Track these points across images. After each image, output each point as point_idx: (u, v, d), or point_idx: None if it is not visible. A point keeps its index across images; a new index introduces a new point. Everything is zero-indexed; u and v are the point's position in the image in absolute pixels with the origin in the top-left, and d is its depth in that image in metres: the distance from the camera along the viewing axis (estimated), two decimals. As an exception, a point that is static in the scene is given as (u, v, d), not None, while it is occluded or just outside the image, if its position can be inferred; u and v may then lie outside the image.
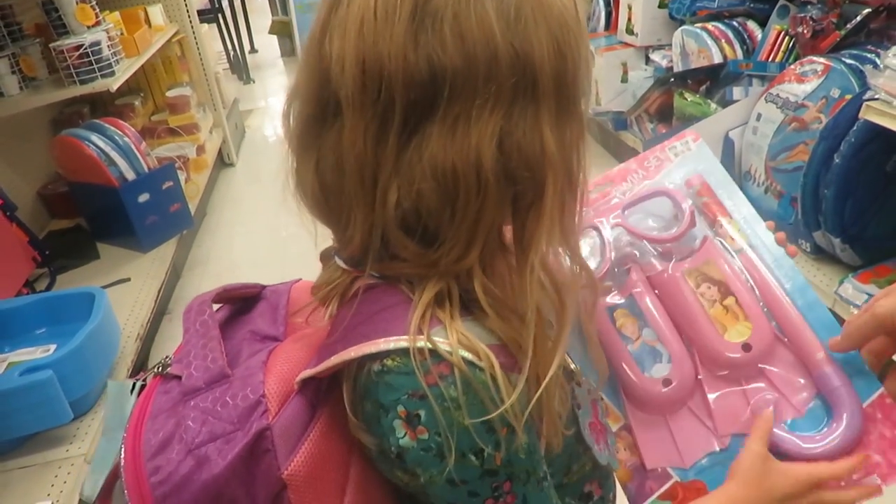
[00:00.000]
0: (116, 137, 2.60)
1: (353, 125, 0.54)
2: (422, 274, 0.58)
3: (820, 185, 1.90)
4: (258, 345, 0.67)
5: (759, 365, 0.78)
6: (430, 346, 0.54)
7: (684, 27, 2.76)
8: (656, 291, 0.83)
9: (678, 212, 0.83)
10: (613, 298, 0.84)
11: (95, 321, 1.79)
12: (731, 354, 0.77)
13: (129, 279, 2.46)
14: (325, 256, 0.69)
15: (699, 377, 0.79)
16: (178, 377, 0.62)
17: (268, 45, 6.90)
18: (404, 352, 0.54)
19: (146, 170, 2.64)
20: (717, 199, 0.84)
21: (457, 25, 0.51)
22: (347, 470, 0.62)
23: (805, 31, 2.29)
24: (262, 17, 7.23)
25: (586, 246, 0.87)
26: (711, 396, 0.78)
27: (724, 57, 2.58)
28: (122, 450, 0.59)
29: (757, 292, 0.80)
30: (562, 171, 0.57)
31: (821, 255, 2.06)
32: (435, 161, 0.53)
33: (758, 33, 2.59)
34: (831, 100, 1.99)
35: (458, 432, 0.53)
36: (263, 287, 0.77)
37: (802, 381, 0.77)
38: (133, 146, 2.62)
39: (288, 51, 6.58)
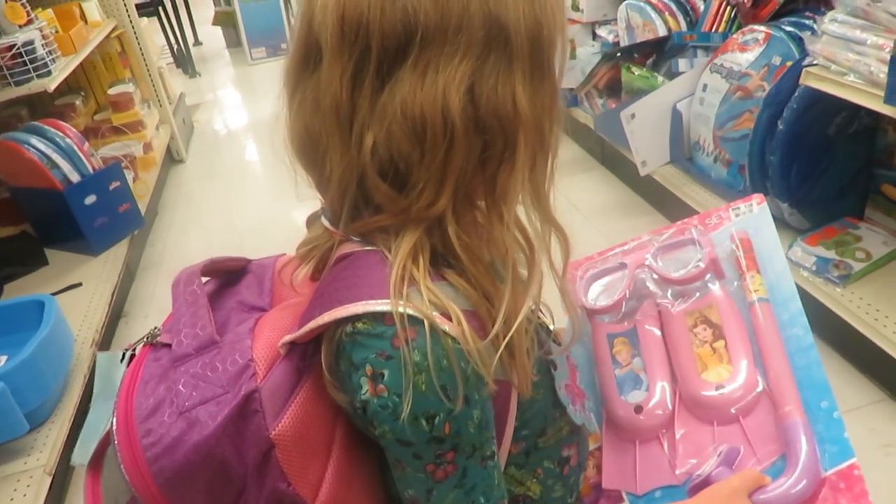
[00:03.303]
0: (58, 139, 2.52)
1: (330, 68, 0.58)
2: (397, 225, 0.61)
3: (766, 151, 1.94)
4: (245, 314, 0.70)
5: (734, 410, 0.78)
6: (401, 310, 0.56)
7: (628, 1, 2.78)
8: (662, 328, 0.86)
9: (699, 258, 0.86)
10: (618, 327, 0.89)
11: (46, 329, 1.74)
12: (704, 392, 0.79)
13: (80, 284, 2.40)
14: (312, 219, 0.73)
15: (678, 411, 0.81)
16: (168, 345, 0.65)
17: (212, 37, 6.75)
18: (374, 315, 0.57)
19: (91, 171, 2.57)
20: (754, 255, 0.86)
21: None
22: (333, 430, 0.66)
23: (746, 0, 2.32)
24: (204, 9, 7.05)
25: (609, 279, 0.93)
26: (679, 431, 0.80)
27: (669, 29, 2.61)
28: (115, 415, 0.62)
29: (754, 343, 0.81)
30: (533, 130, 0.60)
31: (770, 220, 2.10)
32: (405, 104, 0.56)
33: (700, 4, 2.62)
34: (773, 67, 2.02)
35: (415, 395, 0.56)
36: (249, 261, 0.80)
37: (775, 433, 0.77)
38: (76, 147, 2.54)
39: (233, 42, 6.45)
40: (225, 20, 6.37)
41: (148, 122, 3.51)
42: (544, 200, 0.64)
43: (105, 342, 2.31)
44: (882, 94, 1.43)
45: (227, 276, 0.78)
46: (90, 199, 2.54)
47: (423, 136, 0.57)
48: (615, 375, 0.86)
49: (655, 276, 0.89)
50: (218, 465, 0.59)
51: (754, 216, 0.90)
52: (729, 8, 2.48)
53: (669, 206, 2.61)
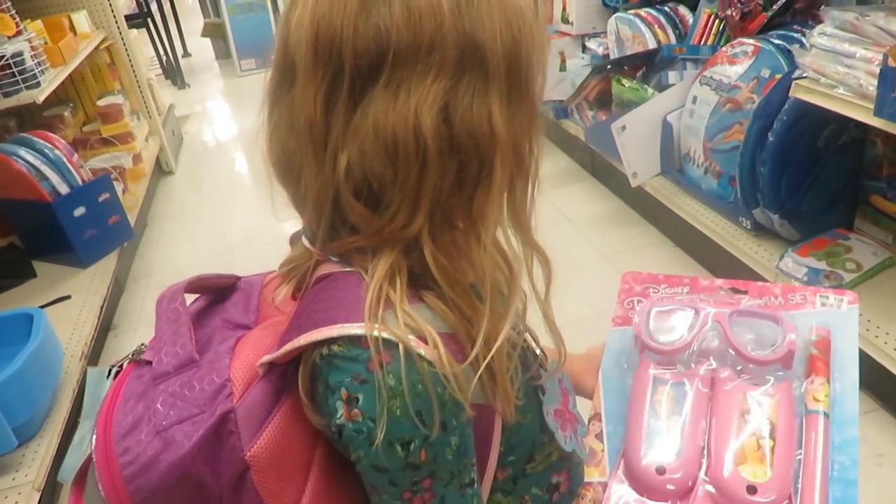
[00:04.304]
0: (46, 150, 2.50)
1: (304, 88, 0.58)
2: (374, 246, 0.61)
3: (756, 163, 1.96)
4: (229, 332, 0.69)
5: None
6: (376, 333, 0.55)
7: (618, 14, 2.80)
8: (711, 394, 0.82)
9: (779, 342, 0.82)
10: (667, 376, 0.85)
11: (35, 343, 1.72)
12: (735, 488, 0.75)
13: (69, 296, 2.38)
14: (294, 238, 0.72)
15: (701, 489, 0.76)
16: (150, 363, 0.65)
17: (201, 49, 6.74)
18: (350, 338, 0.56)
19: (80, 182, 2.55)
20: (828, 359, 0.83)
21: (406, 0, 0.55)
22: (312, 452, 0.64)
23: (734, 14, 2.35)
24: (193, 20, 7.05)
25: (676, 319, 0.89)
26: None
27: (658, 42, 2.63)
28: (94, 432, 0.61)
29: (800, 455, 0.77)
30: (510, 151, 0.59)
31: (760, 231, 2.12)
32: (378, 124, 0.56)
33: (689, 17, 2.65)
34: (762, 80, 2.04)
35: (389, 421, 0.55)
36: (238, 278, 0.79)
37: None
38: (65, 159, 2.53)
39: (222, 53, 6.44)
40: (214, 31, 6.37)
41: (137, 133, 3.50)
42: (525, 223, 0.63)
43: (94, 356, 2.28)
44: (871, 106, 1.45)
45: (216, 293, 0.77)
46: (79, 211, 2.52)
47: (395, 156, 0.56)
48: (648, 424, 0.81)
49: (725, 337, 0.85)
50: (194, 486, 0.58)
51: (841, 314, 0.87)
52: (717, 21, 2.51)
53: (660, 218, 2.62)
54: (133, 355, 0.68)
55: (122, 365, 0.69)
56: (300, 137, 0.59)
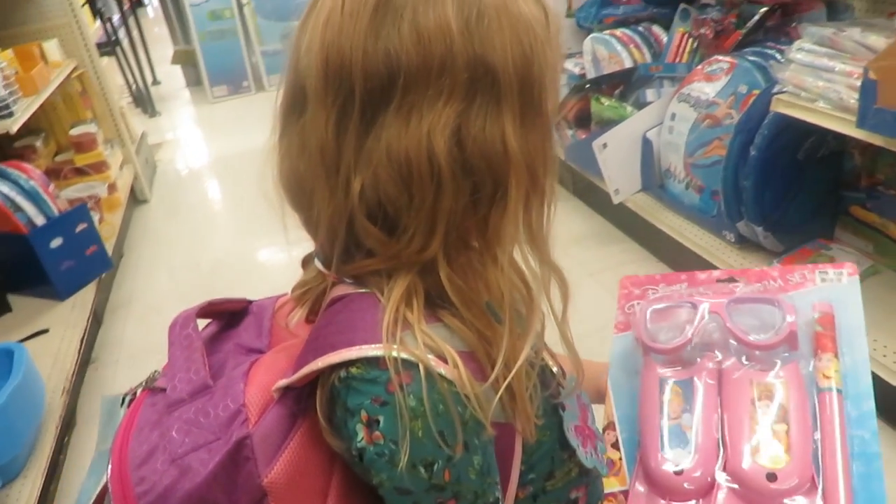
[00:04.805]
0: (21, 181, 2.45)
1: (315, 112, 0.58)
2: (389, 268, 0.60)
3: (739, 177, 1.99)
4: (242, 357, 0.68)
5: (784, 500, 0.73)
6: (395, 354, 0.55)
7: (593, 35, 2.84)
8: (720, 386, 0.81)
9: (779, 324, 0.81)
10: (673, 374, 0.84)
11: (17, 379, 1.68)
12: (755, 477, 0.73)
13: (47, 330, 2.31)
14: (306, 260, 0.71)
15: (721, 484, 0.75)
16: (164, 390, 0.64)
17: (171, 76, 6.69)
18: (368, 360, 0.56)
19: (56, 213, 2.50)
20: (835, 334, 0.81)
21: (415, 22, 0.55)
22: (329, 477, 0.63)
23: (707, 32, 2.40)
24: (162, 48, 6.99)
25: (675, 316, 0.87)
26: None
27: (634, 61, 2.67)
28: (110, 461, 0.61)
29: (817, 437, 0.75)
30: (524, 171, 0.59)
31: (745, 244, 2.14)
32: (390, 148, 0.56)
33: (663, 36, 2.70)
34: (740, 95, 2.08)
35: (412, 442, 0.54)
36: (250, 302, 0.78)
37: None
38: (40, 189, 2.48)
39: (193, 80, 6.40)
40: (184, 59, 6.33)
41: (112, 162, 3.45)
42: (541, 242, 0.63)
43: (75, 390, 2.22)
44: (853, 118, 1.48)
45: (228, 318, 0.77)
46: (56, 242, 2.46)
47: (409, 181, 0.56)
48: (661, 426, 0.80)
49: (725, 327, 0.84)
50: None
51: (842, 287, 0.85)
52: (691, 40, 2.56)
53: (643, 234, 2.64)
54: (146, 383, 0.68)
55: (135, 393, 0.69)
56: (312, 162, 0.59)
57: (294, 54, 0.60)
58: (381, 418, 0.55)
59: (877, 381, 1.63)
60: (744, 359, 0.82)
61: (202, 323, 0.74)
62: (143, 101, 5.80)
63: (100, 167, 3.30)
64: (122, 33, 5.85)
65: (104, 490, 0.64)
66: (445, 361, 0.56)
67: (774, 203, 1.97)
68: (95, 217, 2.87)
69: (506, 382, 0.58)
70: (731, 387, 0.80)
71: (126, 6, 6.20)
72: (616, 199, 2.55)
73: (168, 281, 3.12)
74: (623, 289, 0.97)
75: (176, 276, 3.15)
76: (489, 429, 0.58)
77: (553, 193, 0.64)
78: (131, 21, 6.16)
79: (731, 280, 0.91)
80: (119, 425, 0.64)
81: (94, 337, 2.64)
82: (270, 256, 3.19)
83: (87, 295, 2.56)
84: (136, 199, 3.88)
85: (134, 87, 5.80)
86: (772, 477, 0.72)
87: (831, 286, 0.85)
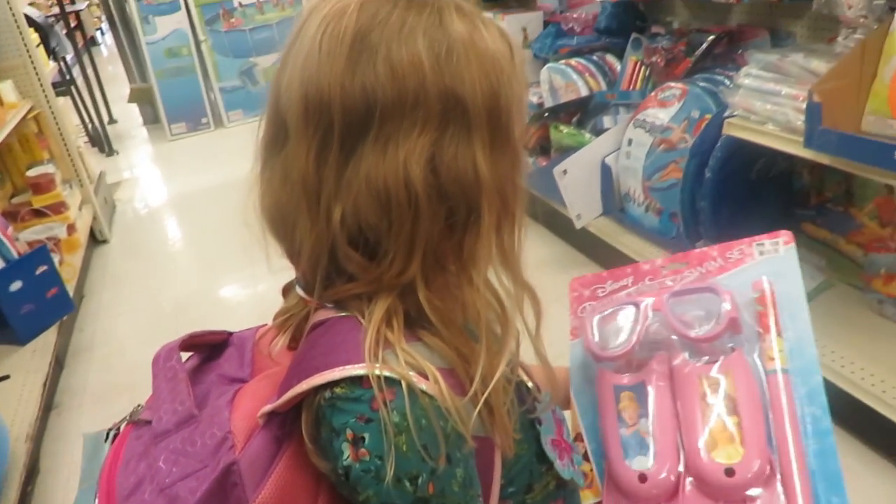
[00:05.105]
0: (-22, 225, 2.41)
1: (296, 145, 0.60)
2: (370, 292, 0.62)
3: (696, 198, 2.06)
4: (226, 387, 0.69)
5: (746, 493, 0.73)
6: (378, 372, 0.57)
7: (549, 65, 2.92)
8: (672, 385, 0.80)
9: (717, 315, 0.81)
10: (625, 380, 0.83)
11: (-20, 427, 1.63)
12: (713, 474, 0.74)
13: (8, 376, 2.26)
14: (287, 288, 0.73)
15: (686, 484, 0.75)
16: (150, 422, 0.65)
17: (127, 115, 6.63)
18: (352, 379, 0.57)
19: (15, 255, 2.46)
20: (776, 311, 0.81)
21: (389, 59, 0.58)
22: (315, 499, 0.64)
23: (659, 61, 2.49)
24: (117, 87, 6.93)
25: (620, 320, 0.87)
26: None
27: (590, 89, 2.75)
28: (97, 496, 0.62)
29: (770, 420, 0.76)
30: (496, 195, 0.62)
31: (704, 263, 2.20)
32: (369, 177, 0.59)
33: (617, 65, 2.79)
34: (693, 120, 2.16)
35: (397, 457, 0.56)
36: (230, 334, 0.79)
37: None
38: (-2, 232, 2.44)
39: (150, 118, 6.35)
40: (141, 97, 6.28)
41: (70, 202, 3.40)
42: (514, 263, 0.66)
43: (38, 437, 2.17)
44: (800, 139, 1.55)
45: (208, 350, 0.78)
46: (16, 286, 2.41)
47: (388, 207, 0.59)
48: (620, 435, 0.81)
49: (668, 324, 0.83)
50: None
51: (780, 258, 0.84)
52: (643, 68, 2.64)
53: (605, 257, 2.70)
54: (130, 416, 0.69)
55: (119, 428, 0.69)
56: (294, 192, 0.61)
57: (275, 91, 0.62)
58: (367, 435, 0.56)
59: (836, 391, 1.69)
60: (688, 354, 0.82)
61: (184, 356, 0.74)
62: (100, 140, 5.73)
63: (58, 208, 3.25)
64: (76, 72, 5.80)
65: None
66: (426, 378, 0.58)
67: (731, 222, 2.03)
68: (55, 258, 2.82)
69: (484, 397, 0.61)
70: (682, 385, 0.80)
71: (80, 44, 6.16)
72: (578, 224, 2.60)
73: (131, 322, 3.07)
74: (573, 291, 0.97)
75: (138, 317, 3.10)
76: (470, 441, 0.60)
77: (523, 216, 0.67)
78: (85, 60, 6.10)
79: (676, 266, 0.91)
80: (105, 459, 0.65)
81: (56, 382, 2.58)
82: (233, 294, 3.17)
83: (48, 338, 2.51)
84: (95, 239, 3.82)
85: (90, 126, 5.73)
86: (730, 472, 0.73)
87: (770, 258, 0.85)
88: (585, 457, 0.85)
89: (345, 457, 0.57)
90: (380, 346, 0.58)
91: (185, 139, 5.92)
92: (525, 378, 0.77)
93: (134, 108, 6.51)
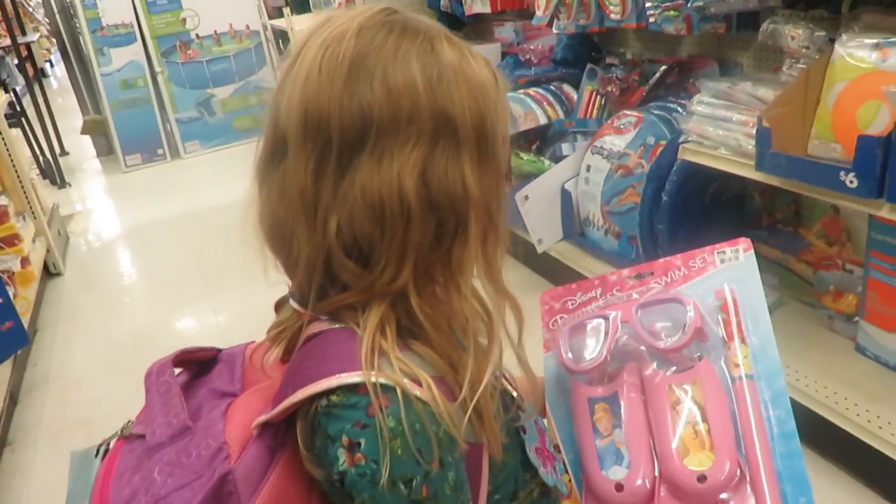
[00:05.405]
0: (-71, 258, 2.34)
1: (295, 160, 0.64)
2: (363, 301, 0.65)
3: (654, 221, 2.12)
4: (217, 400, 0.71)
5: (719, 497, 0.76)
6: (374, 379, 0.59)
7: (509, 94, 2.99)
8: (644, 396, 0.83)
9: (684, 325, 0.83)
10: (598, 392, 0.86)
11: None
12: (686, 481, 0.76)
13: (-40, 413, 2.18)
14: (280, 302, 0.76)
15: (661, 492, 0.78)
16: (142, 436, 0.66)
17: (79, 147, 6.51)
18: (348, 387, 0.60)
19: (-32, 289, 2.39)
20: (739, 318, 0.83)
21: (385, 80, 0.62)
22: None
23: (614, 90, 2.57)
24: (69, 118, 6.82)
25: (590, 333, 0.89)
26: None
27: (549, 117, 2.82)
28: None
29: (738, 425, 0.79)
30: (482, 208, 0.66)
31: (663, 284, 2.26)
32: (365, 189, 0.62)
33: (574, 94, 2.87)
34: (648, 146, 2.23)
35: (392, 460, 0.58)
36: (219, 350, 0.81)
37: None
38: (-50, 265, 2.37)
39: (104, 150, 6.24)
40: (94, 128, 6.18)
41: (24, 234, 3.32)
42: (497, 273, 0.70)
43: (-8, 475, 2.09)
44: (752, 162, 1.62)
45: (198, 366, 0.80)
46: (-32, 320, 2.35)
47: (382, 217, 0.63)
48: (595, 446, 0.83)
49: (637, 335, 0.86)
50: None
51: (740, 265, 0.87)
52: (599, 97, 2.73)
53: (567, 280, 2.71)
54: (122, 432, 0.71)
55: (109, 444, 0.71)
56: (292, 205, 0.65)
57: (274, 111, 0.66)
58: (363, 440, 0.59)
59: (796, 406, 1.74)
60: (657, 364, 0.85)
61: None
62: (52, 172, 5.61)
63: (11, 240, 3.17)
64: (26, 103, 5.69)
65: None
66: (420, 385, 0.61)
67: (687, 243, 2.05)
68: (11, 292, 2.75)
69: (473, 402, 0.64)
70: (653, 395, 0.84)
71: (31, 75, 6.05)
72: (540, 249, 2.65)
73: (87, 356, 2.99)
74: (544, 304, 1.00)
75: (95, 351, 3.03)
76: (462, 444, 0.62)
77: (505, 230, 0.71)
78: (36, 91, 5.99)
79: (640, 276, 0.94)
80: (97, 475, 0.66)
81: (10, 418, 2.50)
82: (191, 325, 3.13)
83: (2, 373, 2.44)
84: (49, 272, 3.73)
85: (42, 158, 5.61)
86: (702, 478, 0.76)
87: (731, 265, 0.88)
88: (564, 467, 0.87)
89: (340, 462, 0.59)
90: (375, 355, 0.61)
91: (141, 170, 5.84)
92: (509, 388, 0.80)
93: (87, 140, 6.40)
